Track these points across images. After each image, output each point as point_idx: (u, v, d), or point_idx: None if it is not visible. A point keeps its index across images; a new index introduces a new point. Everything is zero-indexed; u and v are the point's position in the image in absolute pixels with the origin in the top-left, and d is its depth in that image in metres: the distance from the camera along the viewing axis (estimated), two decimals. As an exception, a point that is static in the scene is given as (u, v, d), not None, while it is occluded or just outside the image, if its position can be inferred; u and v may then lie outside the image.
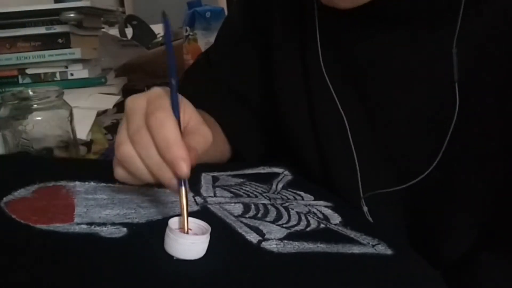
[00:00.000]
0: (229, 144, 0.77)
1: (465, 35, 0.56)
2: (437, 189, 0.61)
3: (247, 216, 0.55)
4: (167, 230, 0.44)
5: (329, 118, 0.66)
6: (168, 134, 0.45)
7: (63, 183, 0.54)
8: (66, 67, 1.04)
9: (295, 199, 0.62)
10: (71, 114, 0.77)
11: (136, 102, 0.48)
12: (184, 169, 0.45)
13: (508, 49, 0.55)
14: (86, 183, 0.55)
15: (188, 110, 0.50)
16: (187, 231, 0.46)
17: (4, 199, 0.50)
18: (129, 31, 1.82)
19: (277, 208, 0.58)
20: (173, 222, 0.45)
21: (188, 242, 0.43)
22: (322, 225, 0.56)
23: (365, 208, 0.65)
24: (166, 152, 0.45)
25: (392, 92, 0.62)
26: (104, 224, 0.47)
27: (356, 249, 0.50)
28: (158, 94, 0.48)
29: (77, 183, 0.55)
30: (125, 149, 0.46)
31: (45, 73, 1.04)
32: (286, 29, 0.70)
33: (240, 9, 0.79)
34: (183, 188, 0.46)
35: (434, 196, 0.62)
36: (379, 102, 0.63)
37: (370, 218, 0.64)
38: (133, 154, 0.46)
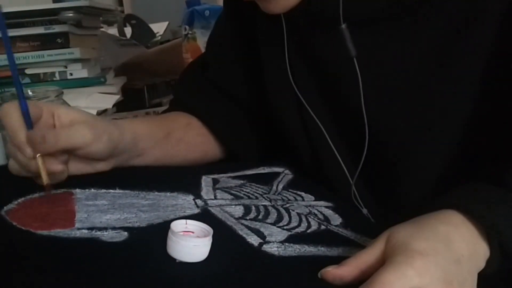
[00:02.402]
0: (223, 145, 0.77)
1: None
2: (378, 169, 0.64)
3: (247, 218, 0.55)
4: (170, 233, 0.44)
5: (307, 115, 0.68)
6: (9, 123, 0.54)
7: (63, 191, 0.54)
8: (65, 66, 1.04)
9: (296, 199, 0.62)
10: (70, 115, 0.77)
11: None
12: (27, 152, 0.53)
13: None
14: (87, 190, 0.55)
15: (63, 111, 0.58)
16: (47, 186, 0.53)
17: (5, 208, 0.50)
18: (128, 30, 1.81)
19: (277, 210, 0.58)
20: (176, 225, 0.45)
21: (191, 244, 0.44)
22: (322, 227, 0.56)
23: (365, 211, 0.65)
24: (11, 138, 0.54)
25: (342, 84, 0.64)
26: (105, 228, 0.47)
27: (356, 252, 0.50)
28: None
29: (77, 190, 0.55)
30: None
31: (44, 73, 1.04)
32: (268, 33, 0.70)
33: (225, 11, 0.79)
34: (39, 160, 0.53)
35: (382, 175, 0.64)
36: (335, 94, 0.65)
37: (373, 220, 0.65)
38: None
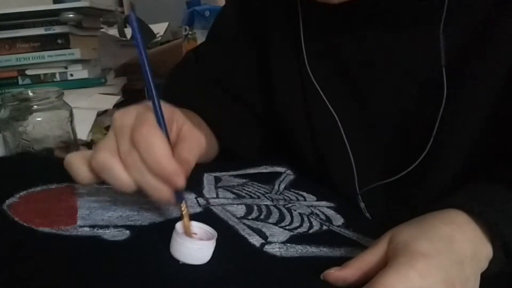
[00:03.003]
0: (220, 142, 0.75)
1: (451, 23, 0.57)
2: (425, 179, 0.61)
3: (249, 217, 0.54)
4: (174, 234, 0.44)
5: (321, 115, 0.67)
6: (157, 151, 0.44)
7: (65, 185, 0.54)
8: (66, 67, 1.04)
9: (298, 200, 0.62)
10: (71, 115, 0.77)
11: (124, 118, 0.46)
12: (180, 183, 0.44)
13: (496, 35, 0.56)
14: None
15: (179, 117, 0.49)
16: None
17: (7, 201, 0.49)
18: (128, 31, 1.81)
19: (279, 210, 0.57)
20: (180, 226, 0.45)
21: (196, 247, 0.43)
22: (324, 227, 0.56)
23: (362, 204, 0.65)
24: (158, 170, 0.44)
25: (380, 87, 0.63)
26: (107, 226, 0.47)
27: (358, 253, 0.50)
28: (145, 108, 0.47)
29: (79, 185, 0.54)
30: (103, 157, 0.45)
31: (45, 74, 1.04)
32: (281, 28, 0.70)
33: (234, 8, 0.78)
34: (183, 203, 0.46)
35: (422, 186, 0.62)
36: (368, 97, 0.64)
37: (368, 215, 0.65)
38: (112, 164, 0.45)
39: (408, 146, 0.62)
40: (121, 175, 0.45)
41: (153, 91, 0.45)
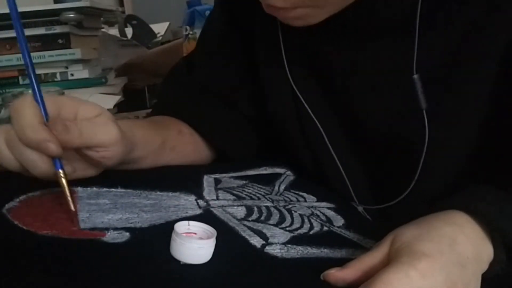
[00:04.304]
0: (215, 146, 0.75)
1: (424, 53, 0.57)
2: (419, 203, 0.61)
3: (250, 219, 0.54)
4: (173, 235, 0.44)
5: (309, 127, 0.67)
6: (24, 120, 0.46)
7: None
8: (66, 67, 1.04)
9: (298, 200, 0.62)
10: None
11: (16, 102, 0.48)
12: (52, 148, 0.46)
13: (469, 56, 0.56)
14: (88, 188, 0.55)
15: (88, 106, 0.52)
16: (75, 210, 0.47)
17: (7, 205, 0.49)
18: (129, 31, 1.81)
19: (280, 211, 0.57)
20: (179, 227, 0.45)
21: (196, 246, 0.43)
22: (325, 228, 0.55)
23: (360, 208, 0.65)
24: (27, 139, 0.46)
25: (364, 104, 0.63)
26: (106, 229, 0.47)
27: (359, 254, 0.50)
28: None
29: (79, 188, 0.54)
30: None
31: (46, 74, 1.04)
32: (267, 31, 0.68)
33: (220, 11, 0.76)
34: (60, 170, 0.48)
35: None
36: (352, 113, 0.64)
37: (368, 216, 0.65)
38: None
39: (398, 157, 0.62)
40: (3, 152, 0.48)
41: (30, 66, 0.47)
